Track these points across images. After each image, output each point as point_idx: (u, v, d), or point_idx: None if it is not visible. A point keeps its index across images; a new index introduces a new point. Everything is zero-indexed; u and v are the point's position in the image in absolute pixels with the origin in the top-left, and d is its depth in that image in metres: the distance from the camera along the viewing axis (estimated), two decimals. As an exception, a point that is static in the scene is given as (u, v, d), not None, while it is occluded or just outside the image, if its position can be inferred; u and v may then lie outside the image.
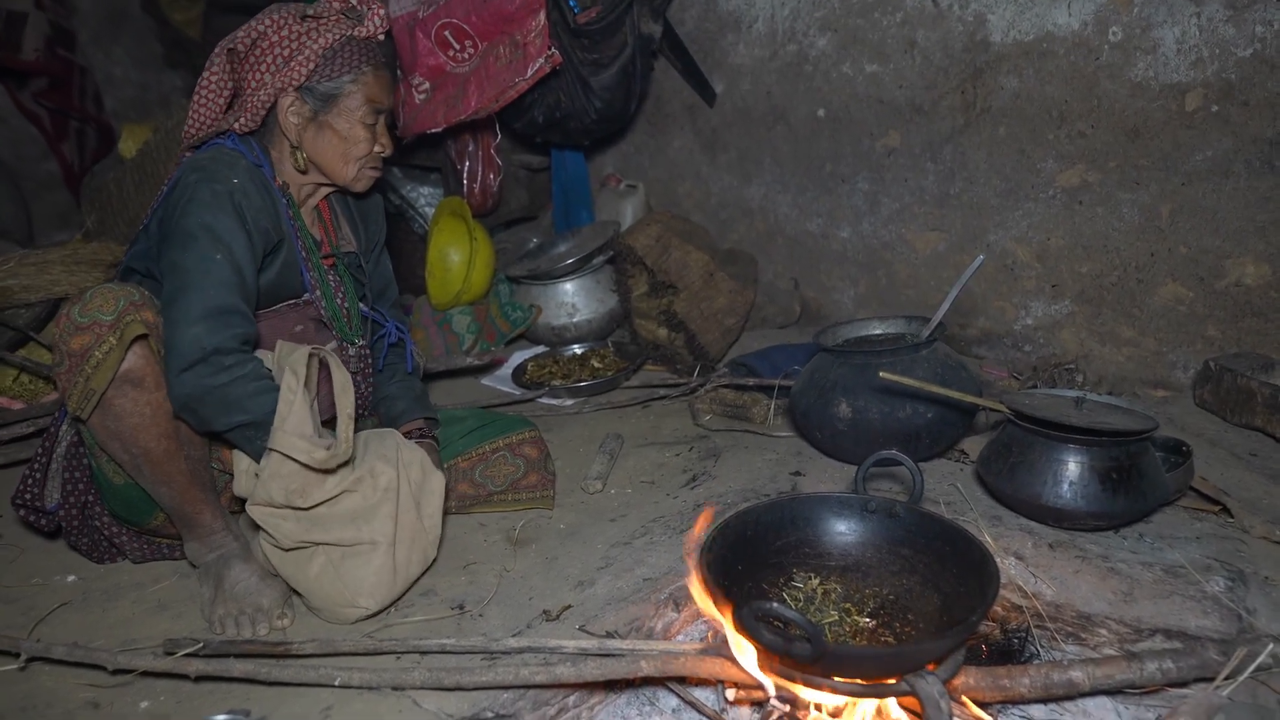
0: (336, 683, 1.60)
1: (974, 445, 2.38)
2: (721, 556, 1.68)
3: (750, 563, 1.77)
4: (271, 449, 1.68)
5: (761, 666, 1.56)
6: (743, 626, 1.49)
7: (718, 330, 3.15)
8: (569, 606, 1.86)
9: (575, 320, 3.40)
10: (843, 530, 1.85)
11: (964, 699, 1.66)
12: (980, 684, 1.66)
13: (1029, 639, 1.89)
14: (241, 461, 1.81)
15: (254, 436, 1.77)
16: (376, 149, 1.99)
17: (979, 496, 2.18)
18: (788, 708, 1.64)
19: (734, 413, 2.86)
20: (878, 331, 2.54)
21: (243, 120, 1.89)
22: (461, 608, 1.90)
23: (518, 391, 3.11)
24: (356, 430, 1.87)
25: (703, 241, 3.30)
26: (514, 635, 1.78)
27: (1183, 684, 1.65)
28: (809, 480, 2.33)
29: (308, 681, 1.61)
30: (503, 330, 3.40)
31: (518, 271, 3.55)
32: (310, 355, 1.74)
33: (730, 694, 1.71)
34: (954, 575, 1.66)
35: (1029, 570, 1.95)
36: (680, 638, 1.98)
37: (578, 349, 3.40)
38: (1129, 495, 1.93)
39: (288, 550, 1.78)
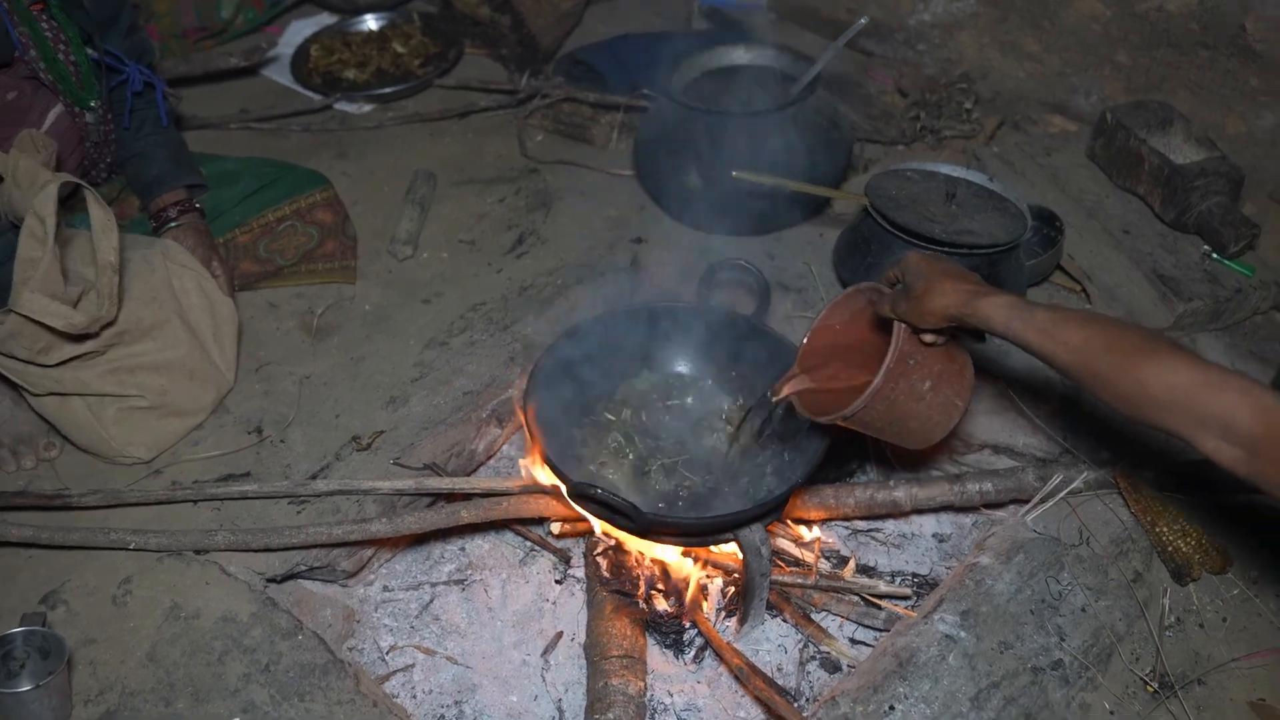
0: (131, 546, 1.80)
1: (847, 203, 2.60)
2: (548, 397, 1.90)
3: (582, 390, 2.00)
4: (12, 310, 1.71)
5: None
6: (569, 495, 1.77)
7: (552, 14, 3.09)
8: (382, 433, 2.07)
9: (371, -25, 3.25)
10: (679, 348, 2.10)
11: (786, 520, 2.05)
12: (808, 503, 2.03)
13: (862, 445, 2.26)
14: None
15: None
16: None
17: (833, 286, 2.44)
18: (613, 541, 1.99)
19: (570, 132, 2.92)
20: (742, 61, 2.60)
21: None
22: (260, 432, 2.08)
23: (300, 90, 3.03)
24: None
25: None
26: (322, 469, 2.00)
27: (1000, 504, 2.08)
28: (652, 252, 2.50)
29: (97, 545, 1.81)
30: (273, -12, 3.22)
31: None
32: (56, 188, 1.69)
33: (555, 527, 2.03)
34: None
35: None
36: (505, 448, 2.26)
37: (373, 22, 3.26)
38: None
39: (41, 395, 1.89)
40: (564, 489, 1.76)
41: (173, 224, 2.15)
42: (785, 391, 1.76)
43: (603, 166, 2.77)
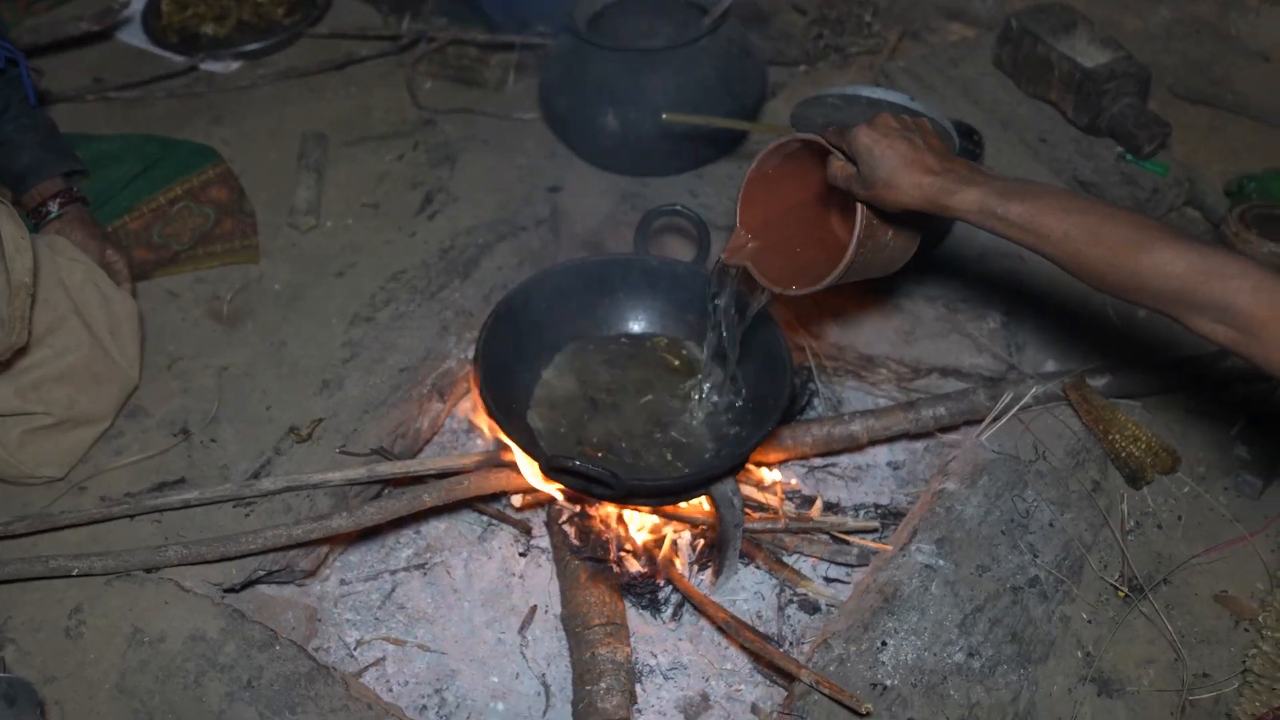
0: (75, 573, 1.79)
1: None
2: (497, 366, 1.94)
3: (529, 353, 2.05)
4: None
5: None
6: (541, 472, 1.83)
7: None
8: (320, 420, 2.09)
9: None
10: (626, 300, 2.15)
11: (748, 465, 2.15)
12: (767, 445, 2.14)
13: (811, 379, 2.39)
14: None
15: None
16: None
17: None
18: (578, 507, 2.07)
19: (461, 76, 2.92)
20: (644, -9, 2.64)
21: None
22: (186, 432, 2.07)
23: (158, 51, 2.94)
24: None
25: None
26: (263, 467, 2.01)
27: (954, 427, 2.21)
28: (571, 200, 2.55)
29: (35, 575, 1.79)
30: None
31: None
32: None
33: (517, 500, 2.09)
34: (747, 353, 2.00)
35: (812, 308, 2.39)
36: (449, 422, 2.30)
37: (227, -32, 3.17)
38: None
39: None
40: (536, 466, 1.81)
41: (53, 217, 2.09)
42: (739, 258, 1.75)
43: (504, 112, 2.78)
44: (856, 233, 1.56)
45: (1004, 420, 2.10)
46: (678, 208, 2.11)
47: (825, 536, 2.06)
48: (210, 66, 2.90)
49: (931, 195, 1.46)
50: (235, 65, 2.92)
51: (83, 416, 1.98)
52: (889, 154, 1.45)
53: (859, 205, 1.56)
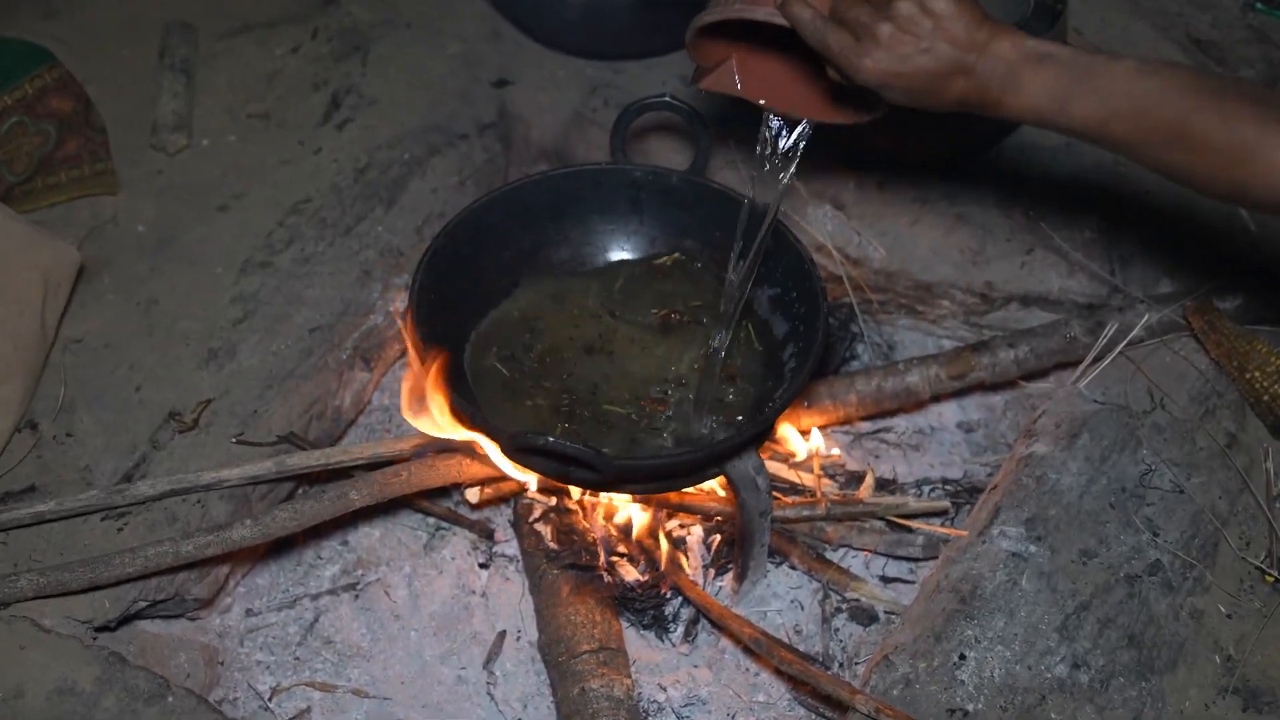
0: (-96, 615, 1.81)
1: None
2: (438, 318, 1.94)
3: (479, 299, 2.07)
4: None
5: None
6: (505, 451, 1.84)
7: None
8: (209, 402, 2.10)
9: None
10: (604, 225, 2.18)
11: (779, 435, 2.18)
12: (798, 406, 2.17)
13: (852, 319, 2.41)
14: None
15: None
16: None
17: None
18: (554, 500, 2.09)
19: (370, -65, 2.92)
20: None
21: None
22: (32, 426, 2.07)
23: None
24: None
25: None
26: (137, 465, 2.01)
27: (1042, 373, 2.25)
28: (525, 96, 2.56)
29: None
30: None
31: None
32: None
33: (473, 495, 2.11)
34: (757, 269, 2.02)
35: (851, 226, 2.41)
36: (378, 397, 2.31)
37: None
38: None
39: None
40: (497, 445, 1.82)
41: None
42: (713, 83, 1.81)
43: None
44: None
45: (1108, 360, 2.13)
46: (666, 98, 2.11)
47: (880, 523, 2.10)
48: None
49: (973, 107, 1.54)
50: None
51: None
52: (906, 83, 1.53)
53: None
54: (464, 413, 1.81)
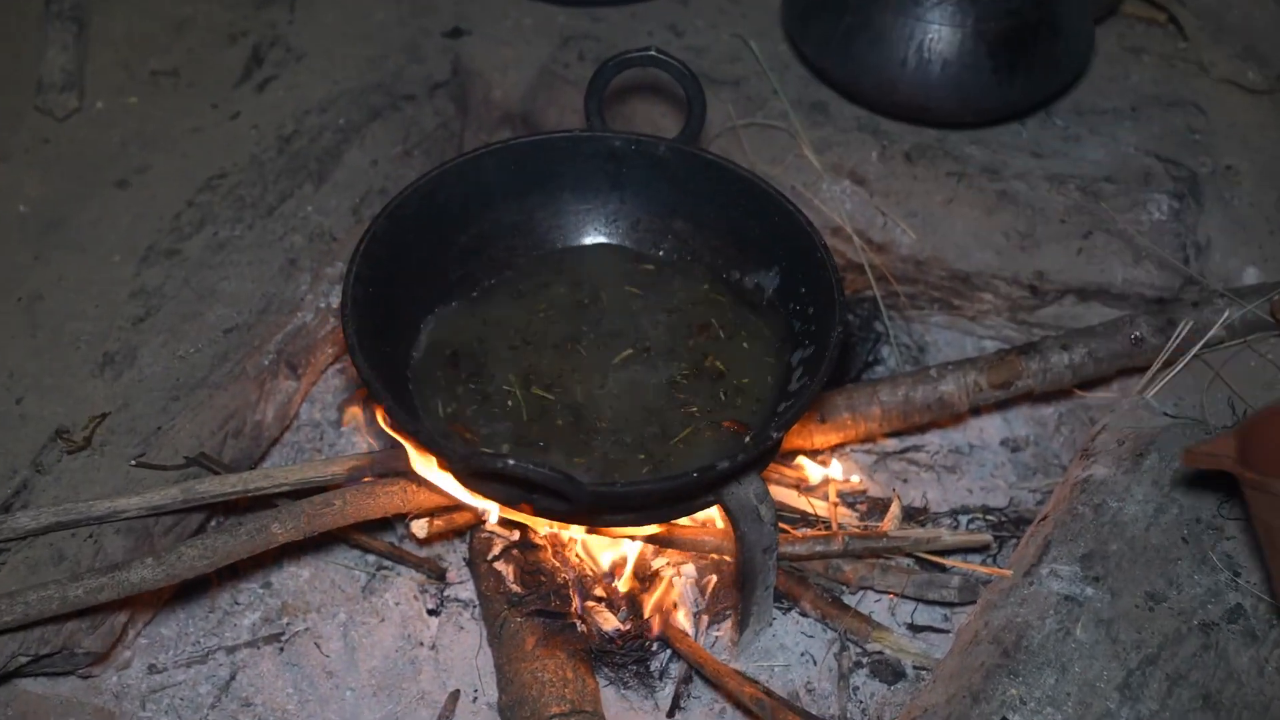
0: None
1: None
2: (379, 316, 1.87)
3: (427, 292, 1.99)
4: None
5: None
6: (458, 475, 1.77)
7: None
8: (104, 417, 2.00)
9: None
10: (577, 204, 2.09)
11: (798, 461, 2.09)
12: (810, 420, 2.07)
13: (876, 317, 2.32)
14: None
15: None
16: None
17: (791, 67, 2.43)
18: (516, 534, 2.01)
19: None
20: None
21: None
22: (-111, 447, 1.99)
23: None
24: None
25: None
26: (16, 493, 1.91)
27: (1103, 380, 2.15)
28: (484, 47, 2.48)
29: None
30: None
31: None
32: None
33: (421, 528, 2.02)
34: (759, 256, 1.95)
35: (874, 205, 2.31)
36: (306, 409, 2.23)
37: None
38: (1033, 70, 2.26)
39: None
40: (448, 467, 1.75)
41: None
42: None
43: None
44: None
45: (1181, 366, 2.05)
46: (651, 52, 2.03)
47: (908, 561, 2.03)
48: None
49: None
50: None
51: None
52: None
53: None
54: (407, 429, 1.73)
